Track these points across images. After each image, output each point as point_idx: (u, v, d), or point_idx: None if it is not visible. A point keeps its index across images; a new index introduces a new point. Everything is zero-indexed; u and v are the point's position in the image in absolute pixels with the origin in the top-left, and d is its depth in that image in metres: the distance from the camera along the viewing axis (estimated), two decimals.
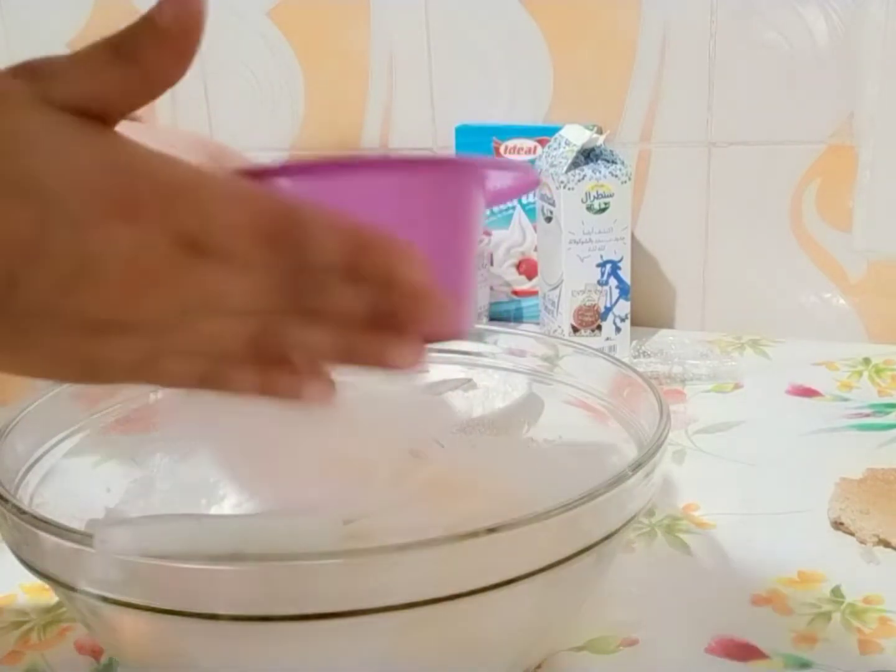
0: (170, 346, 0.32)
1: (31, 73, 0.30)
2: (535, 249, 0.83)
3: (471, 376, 0.54)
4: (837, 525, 0.53)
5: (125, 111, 0.31)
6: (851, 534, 0.52)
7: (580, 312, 0.76)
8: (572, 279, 0.75)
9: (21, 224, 0.28)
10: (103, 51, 0.30)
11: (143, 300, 0.30)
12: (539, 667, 0.43)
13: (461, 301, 0.40)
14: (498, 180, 0.44)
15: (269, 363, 0.33)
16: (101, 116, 0.31)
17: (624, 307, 0.77)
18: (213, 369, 0.32)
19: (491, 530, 0.33)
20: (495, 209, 0.86)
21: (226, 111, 0.97)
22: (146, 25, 0.30)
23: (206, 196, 0.30)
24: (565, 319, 0.76)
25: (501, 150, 0.85)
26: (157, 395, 0.51)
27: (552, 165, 0.74)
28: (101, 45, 0.30)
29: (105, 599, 0.34)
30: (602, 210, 0.74)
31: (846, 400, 0.70)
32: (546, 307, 0.79)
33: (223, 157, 0.66)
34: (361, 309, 0.32)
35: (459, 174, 0.39)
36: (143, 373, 0.32)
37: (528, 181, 0.46)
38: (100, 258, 0.29)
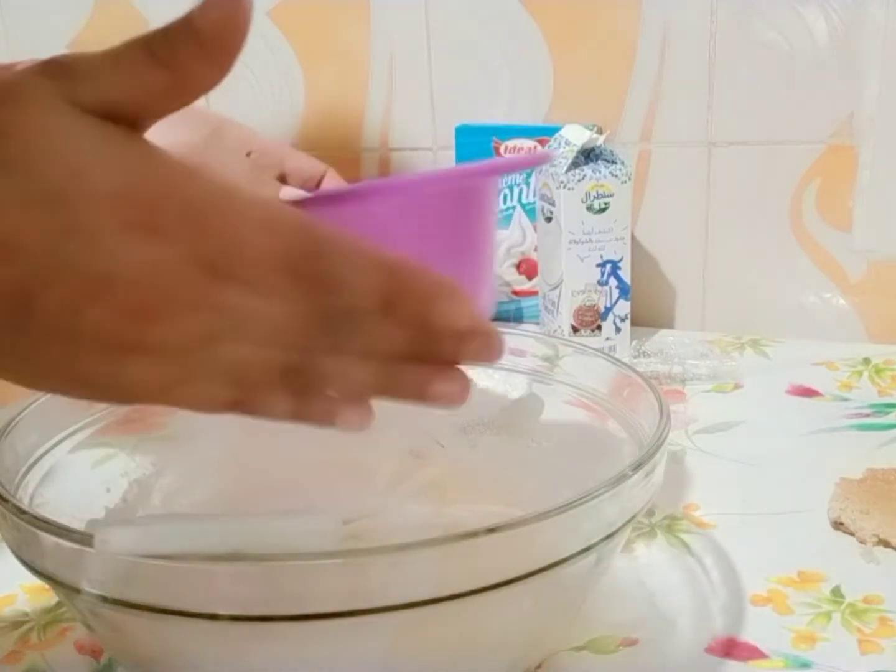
0: (195, 372, 0.30)
1: (59, 70, 0.28)
2: (535, 249, 0.83)
3: (471, 376, 0.54)
4: (837, 525, 0.53)
5: (156, 116, 0.29)
6: (851, 534, 0.52)
7: (580, 312, 0.76)
8: (572, 279, 0.75)
9: (37, 235, 0.27)
10: (138, 51, 0.28)
11: (161, 322, 0.29)
12: (539, 667, 0.43)
13: (481, 299, 0.39)
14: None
15: (302, 391, 0.31)
16: (131, 120, 0.29)
17: (624, 307, 0.77)
18: (243, 396, 0.31)
19: (491, 530, 0.33)
20: None
21: (226, 111, 0.97)
22: (186, 28, 0.28)
23: (234, 219, 0.28)
24: (565, 319, 0.76)
25: (501, 150, 0.85)
26: None
27: (552, 165, 0.74)
28: (136, 46, 0.28)
29: (105, 599, 0.34)
30: (602, 210, 0.74)
31: (846, 400, 0.70)
32: (546, 307, 0.79)
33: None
34: (400, 345, 0.31)
35: (475, 190, 0.38)
36: (170, 396, 0.31)
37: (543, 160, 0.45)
38: (117, 275, 0.28)
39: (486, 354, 0.31)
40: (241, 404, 0.31)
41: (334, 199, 0.36)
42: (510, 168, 0.54)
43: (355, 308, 0.30)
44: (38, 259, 0.27)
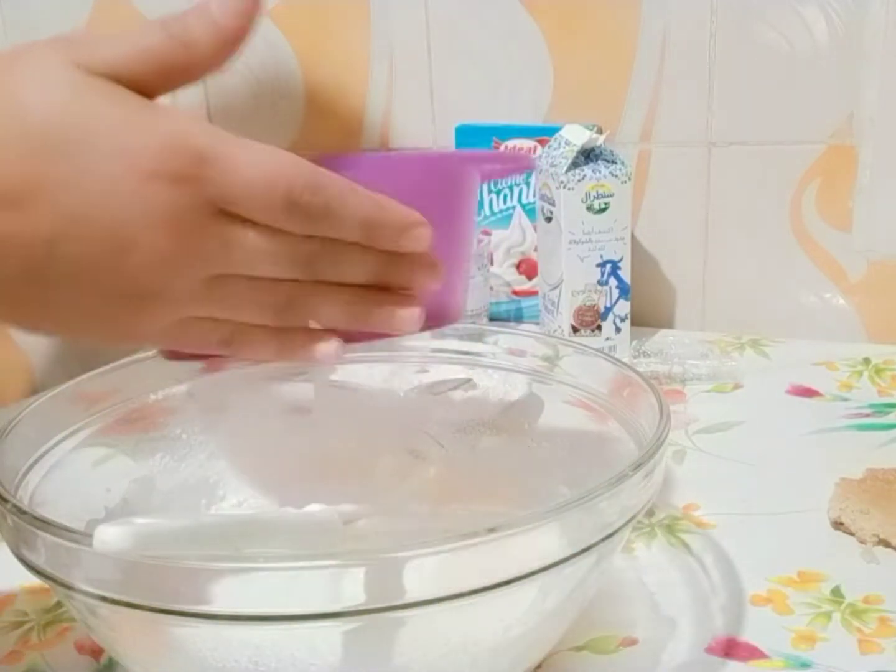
0: (199, 312, 0.33)
1: (69, 39, 0.31)
2: (535, 249, 0.83)
3: (471, 376, 0.54)
4: (837, 525, 0.53)
5: (161, 90, 0.32)
6: (851, 534, 0.52)
7: (580, 312, 0.76)
8: (572, 279, 0.75)
9: (55, 185, 0.29)
10: (153, 27, 0.31)
11: (176, 267, 0.31)
12: (539, 667, 0.43)
13: (457, 286, 0.42)
14: (493, 166, 0.45)
15: (288, 324, 0.35)
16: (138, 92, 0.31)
17: (624, 307, 0.77)
18: (234, 334, 0.34)
19: (491, 530, 0.33)
20: (495, 209, 0.86)
21: (226, 111, 0.97)
22: (202, 12, 0.31)
23: (241, 162, 0.31)
24: (565, 319, 0.76)
25: (501, 150, 0.84)
26: (157, 395, 0.51)
27: (552, 165, 0.74)
28: (150, 23, 0.31)
29: (104, 599, 0.34)
30: (602, 210, 0.74)
31: (846, 400, 0.70)
32: (546, 307, 0.79)
33: None
34: (371, 276, 0.35)
35: (456, 172, 0.40)
36: (170, 338, 0.34)
37: (523, 167, 0.48)
38: (136, 224, 0.30)
39: (431, 278, 0.37)
40: (230, 343, 0.34)
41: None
42: (492, 161, 0.54)
43: (341, 236, 0.33)
44: (60, 208, 0.29)
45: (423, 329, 0.40)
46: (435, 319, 0.41)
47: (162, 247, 0.30)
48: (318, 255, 0.33)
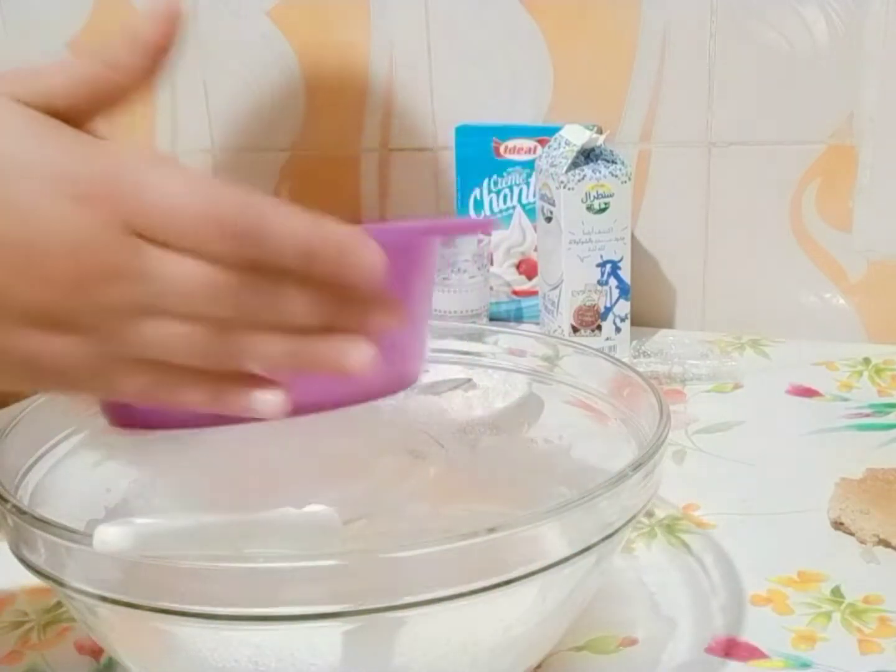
0: (116, 352, 0.31)
1: (9, 79, 0.31)
2: (535, 249, 0.83)
3: (471, 376, 0.54)
4: (837, 525, 0.53)
5: (94, 114, 0.32)
6: (851, 534, 0.52)
7: (580, 312, 0.76)
8: (572, 279, 0.75)
9: None
10: (87, 56, 0.32)
11: (90, 291, 0.30)
12: (539, 667, 0.43)
13: (416, 351, 0.41)
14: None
15: (219, 373, 0.32)
16: (76, 118, 0.32)
17: (624, 307, 0.77)
18: (162, 379, 0.32)
19: (491, 530, 0.33)
20: (495, 210, 0.86)
21: (225, 111, 0.97)
22: (125, 31, 0.32)
23: (155, 182, 0.30)
24: (565, 319, 0.76)
25: (501, 150, 0.85)
26: None
27: (552, 165, 0.74)
28: (87, 53, 0.32)
29: (104, 599, 0.34)
30: (602, 210, 0.74)
31: (846, 400, 0.70)
32: (546, 307, 0.79)
33: None
34: (313, 313, 0.32)
35: (413, 245, 0.38)
36: (89, 380, 0.32)
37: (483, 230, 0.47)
38: (48, 244, 0.29)
39: (389, 318, 0.33)
40: (158, 390, 0.32)
41: None
42: (447, 231, 0.54)
43: (278, 267, 0.30)
44: None
45: (378, 396, 0.39)
46: (392, 385, 0.40)
47: (68, 269, 0.29)
48: (249, 288, 0.30)
